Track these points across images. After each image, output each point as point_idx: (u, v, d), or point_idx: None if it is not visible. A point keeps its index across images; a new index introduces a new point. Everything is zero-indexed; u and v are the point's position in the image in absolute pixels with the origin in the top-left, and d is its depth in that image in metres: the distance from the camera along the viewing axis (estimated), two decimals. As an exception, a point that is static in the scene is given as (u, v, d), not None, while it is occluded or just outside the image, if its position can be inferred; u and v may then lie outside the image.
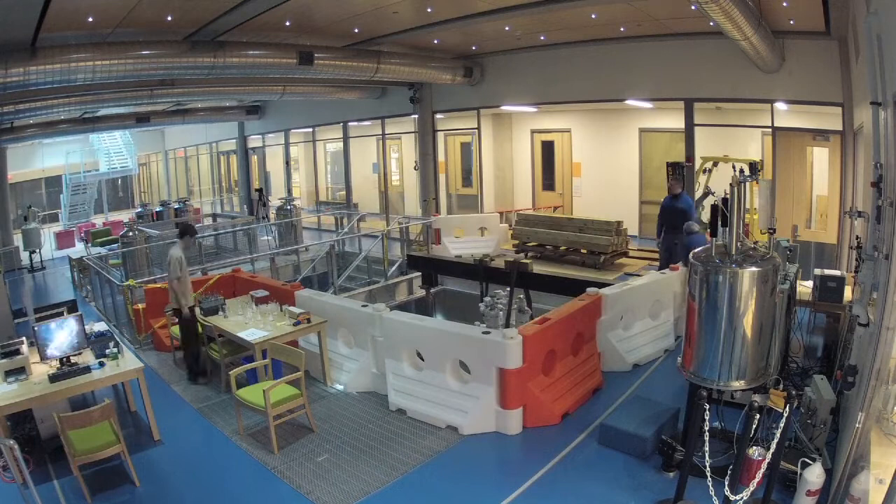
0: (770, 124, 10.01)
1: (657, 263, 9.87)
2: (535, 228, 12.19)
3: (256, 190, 20.30)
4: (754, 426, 3.64)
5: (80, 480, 4.45)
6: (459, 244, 12.31)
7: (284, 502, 4.45)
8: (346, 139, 17.67)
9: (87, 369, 5.07)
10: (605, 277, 9.95)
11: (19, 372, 5.01)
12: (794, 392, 3.65)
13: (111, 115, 16.94)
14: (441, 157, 15.60)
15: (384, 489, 4.53)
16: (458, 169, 16.98)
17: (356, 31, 10.13)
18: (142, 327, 8.06)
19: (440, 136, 15.46)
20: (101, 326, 6.39)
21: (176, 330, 7.28)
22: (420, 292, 11.22)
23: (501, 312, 8.09)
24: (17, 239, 15.53)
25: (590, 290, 6.71)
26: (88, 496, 4.46)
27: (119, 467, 4.83)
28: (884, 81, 3.77)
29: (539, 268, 10.76)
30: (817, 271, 6.05)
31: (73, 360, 5.22)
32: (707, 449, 3.70)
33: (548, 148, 15.45)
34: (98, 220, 21.30)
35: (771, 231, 5.46)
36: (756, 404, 3.55)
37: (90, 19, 7.48)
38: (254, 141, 21.73)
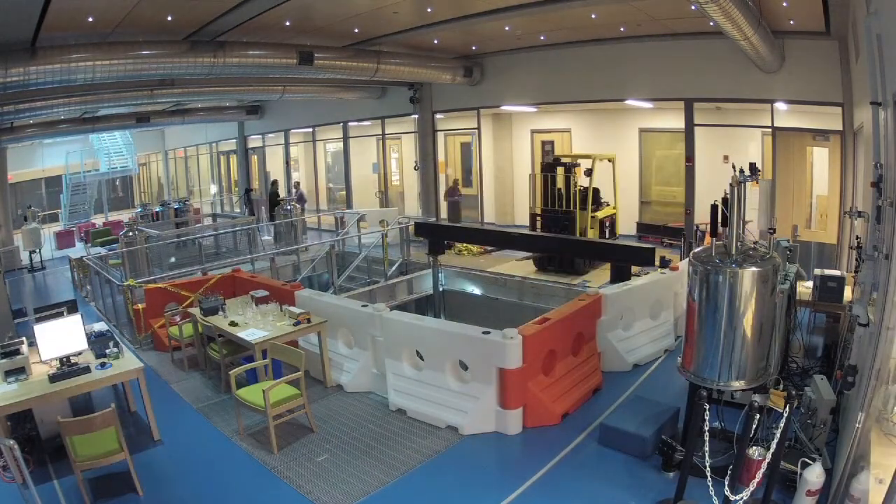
0: (770, 124, 10.02)
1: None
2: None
3: (247, 190, 20.39)
4: (754, 426, 3.64)
5: (81, 488, 4.42)
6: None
7: (284, 502, 4.45)
8: (346, 139, 17.68)
9: (87, 369, 5.07)
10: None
11: (19, 372, 5.00)
12: (794, 392, 3.65)
13: (111, 115, 16.95)
14: (441, 157, 15.61)
15: (384, 489, 4.53)
16: (458, 169, 16.98)
17: (356, 31, 10.13)
18: (142, 327, 8.06)
19: (440, 136, 15.46)
20: (101, 326, 6.38)
21: (175, 330, 7.29)
22: (420, 292, 11.25)
23: None
24: (17, 239, 15.53)
25: (590, 289, 6.72)
26: (88, 501, 4.45)
27: (121, 470, 4.81)
28: (884, 81, 3.77)
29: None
30: (817, 271, 6.05)
31: (72, 360, 5.21)
32: (707, 449, 3.70)
33: (548, 148, 15.45)
34: (98, 220, 21.31)
35: (771, 231, 5.46)
36: (756, 404, 3.55)
37: (90, 19, 7.48)
38: (254, 141, 21.73)
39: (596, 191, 11.04)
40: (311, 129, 19.08)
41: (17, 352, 5.08)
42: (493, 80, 13.36)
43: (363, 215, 14.14)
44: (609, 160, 11.45)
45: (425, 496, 4.47)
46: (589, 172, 10.90)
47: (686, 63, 10.44)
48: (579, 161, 11.19)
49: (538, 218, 11.21)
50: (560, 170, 10.92)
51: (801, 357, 5.94)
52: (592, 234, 10.76)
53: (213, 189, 24.97)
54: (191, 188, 26.61)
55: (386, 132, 16.62)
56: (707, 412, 3.71)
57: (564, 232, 10.62)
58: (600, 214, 10.95)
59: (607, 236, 11.03)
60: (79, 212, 21.67)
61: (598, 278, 10.01)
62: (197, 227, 16.94)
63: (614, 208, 11.48)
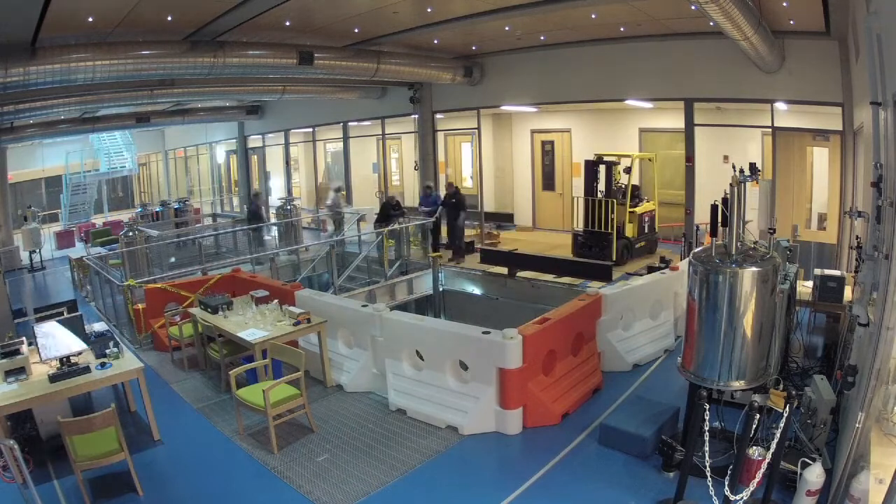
0: (770, 124, 10.02)
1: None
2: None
3: (256, 194, 20.24)
4: (754, 426, 3.64)
5: (81, 488, 4.42)
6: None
7: (284, 502, 4.45)
8: (346, 139, 17.67)
9: (87, 369, 5.07)
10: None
11: (19, 372, 5.00)
12: (794, 392, 3.65)
13: (111, 115, 16.94)
14: (441, 157, 15.60)
15: (384, 489, 4.53)
16: (458, 169, 16.98)
17: (356, 31, 10.13)
18: (142, 327, 8.06)
19: (440, 136, 15.46)
20: (101, 326, 6.38)
21: (175, 330, 7.29)
22: (420, 292, 11.27)
23: None
24: (17, 239, 15.52)
25: (590, 290, 6.72)
26: (89, 501, 4.46)
27: (120, 470, 4.81)
28: (884, 81, 3.77)
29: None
30: (817, 271, 6.05)
31: (72, 360, 5.21)
32: (707, 449, 3.70)
33: (548, 148, 15.45)
34: (98, 220, 21.31)
35: (771, 231, 5.46)
36: (756, 404, 3.55)
37: (90, 19, 7.48)
38: (254, 141, 21.72)
39: (635, 187, 11.66)
40: (311, 129, 19.07)
41: (17, 352, 5.08)
42: (493, 80, 13.35)
43: (363, 215, 14.14)
44: (649, 159, 12.14)
45: (425, 496, 4.47)
46: (628, 170, 11.52)
47: (686, 63, 10.43)
48: (620, 159, 11.68)
49: (579, 237, 11.67)
50: (602, 168, 11.47)
51: (801, 357, 5.94)
52: (630, 229, 11.27)
53: (219, 158, 24.65)
54: (191, 188, 26.60)
55: (386, 132, 16.61)
56: (707, 412, 3.72)
57: (602, 248, 11.15)
58: (639, 210, 11.47)
59: (646, 231, 11.61)
60: (79, 212, 21.66)
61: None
62: (197, 227, 16.94)
63: (654, 204, 11.93)
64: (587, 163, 11.81)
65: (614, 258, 10.79)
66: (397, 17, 9.41)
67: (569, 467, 4.74)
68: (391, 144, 17.52)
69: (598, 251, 11.08)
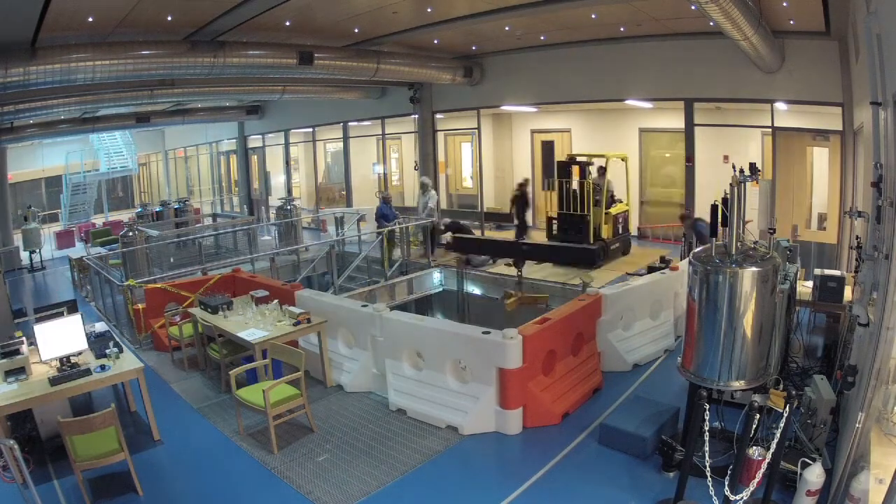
0: (770, 124, 10.02)
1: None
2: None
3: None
4: (754, 426, 3.64)
5: (81, 488, 4.42)
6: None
7: (284, 502, 4.45)
8: (346, 139, 17.68)
9: (88, 372, 5.06)
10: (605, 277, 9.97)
11: (19, 372, 5.00)
12: (794, 392, 3.65)
13: (111, 115, 16.95)
14: (441, 157, 15.60)
15: (384, 489, 4.53)
16: (458, 169, 16.98)
17: (356, 31, 10.14)
18: (142, 327, 8.06)
19: (440, 136, 15.46)
20: (101, 326, 6.38)
21: (175, 330, 7.28)
22: (420, 292, 11.27)
23: None
24: (17, 239, 15.53)
25: (590, 290, 6.72)
26: (89, 501, 4.46)
27: (120, 470, 4.82)
28: (884, 81, 3.77)
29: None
30: (817, 271, 6.05)
31: (72, 360, 5.21)
32: (707, 449, 3.70)
33: (548, 148, 15.44)
34: (98, 220, 21.32)
35: (771, 231, 5.46)
36: (756, 404, 3.55)
37: (90, 19, 7.48)
38: (254, 141, 21.74)
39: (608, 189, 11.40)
40: (311, 129, 19.08)
41: (17, 352, 5.08)
42: (493, 80, 13.35)
43: (363, 215, 14.14)
44: (622, 159, 11.75)
45: (425, 496, 4.47)
46: (602, 170, 11.31)
47: (686, 63, 10.44)
48: (593, 160, 11.40)
49: (554, 221, 11.47)
50: (575, 168, 11.15)
51: (801, 357, 5.94)
52: (606, 230, 11.05)
53: (220, 157, 24.61)
54: (191, 188, 26.61)
55: (386, 132, 16.61)
56: (707, 412, 3.72)
57: (580, 232, 10.85)
58: (613, 211, 11.30)
59: (620, 232, 11.41)
60: (79, 212, 21.67)
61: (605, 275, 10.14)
62: (197, 227, 16.95)
63: (627, 205, 11.78)
64: (559, 163, 11.47)
65: (591, 240, 10.62)
66: (397, 17, 9.42)
67: (569, 467, 4.74)
68: (391, 144, 17.52)
69: (574, 234, 10.82)
